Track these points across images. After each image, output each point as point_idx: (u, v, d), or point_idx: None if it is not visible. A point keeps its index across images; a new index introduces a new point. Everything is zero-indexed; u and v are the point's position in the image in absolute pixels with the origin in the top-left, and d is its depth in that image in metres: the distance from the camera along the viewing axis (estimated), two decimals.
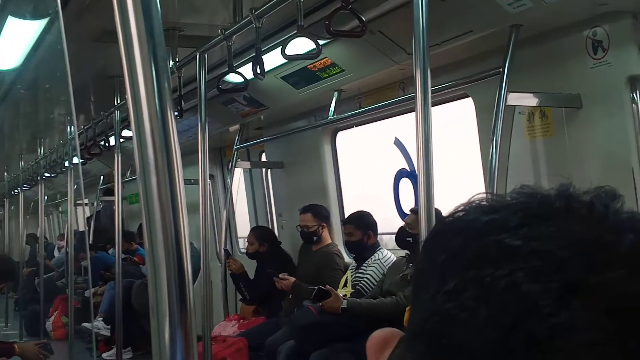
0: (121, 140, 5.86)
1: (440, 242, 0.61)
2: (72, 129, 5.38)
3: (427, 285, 0.59)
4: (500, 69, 3.24)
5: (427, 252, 0.62)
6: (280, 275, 5.02)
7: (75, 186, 6.41)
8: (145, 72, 0.83)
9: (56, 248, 12.27)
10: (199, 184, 4.02)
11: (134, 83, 0.84)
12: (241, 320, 5.69)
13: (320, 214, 5.30)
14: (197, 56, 4.04)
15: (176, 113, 4.68)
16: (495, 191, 3.13)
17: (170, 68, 4.48)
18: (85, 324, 7.39)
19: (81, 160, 7.03)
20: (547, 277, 0.52)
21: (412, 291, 0.64)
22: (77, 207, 8.74)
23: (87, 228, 9.91)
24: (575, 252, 0.53)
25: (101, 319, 7.58)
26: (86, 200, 11.25)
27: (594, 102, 3.22)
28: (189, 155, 5.34)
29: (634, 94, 3.07)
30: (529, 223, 0.55)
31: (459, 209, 0.62)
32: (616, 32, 3.08)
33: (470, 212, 0.60)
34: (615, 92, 3.13)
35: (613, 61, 3.11)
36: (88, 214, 10.77)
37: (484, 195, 0.61)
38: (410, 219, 4.32)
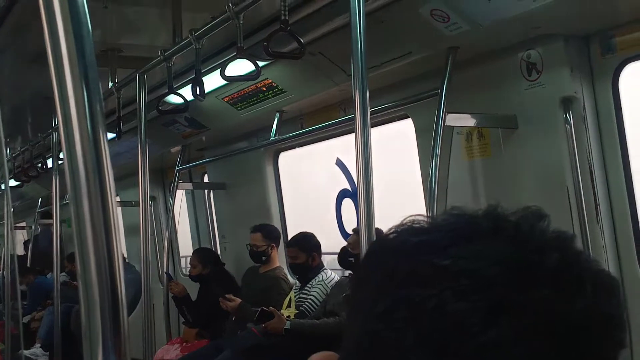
0: (59, 162, 5.75)
1: (372, 263, 0.62)
2: (6, 150, 5.25)
3: (361, 305, 0.59)
4: (439, 90, 3.29)
5: (361, 272, 0.63)
6: (227, 296, 4.97)
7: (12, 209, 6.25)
8: (76, 94, 0.82)
9: None
10: (139, 206, 3.97)
11: (65, 105, 0.82)
12: (184, 344, 5.61)
13: (271, 234, 5.25)
14: (137, 77, 4.01)
15: (114, 135, 4.62)
16: (435, 210, 3.17)
17: (109, 89, 4.43)
18: (23, 352, 7.17)
19: (18, 183, 6.87)
20: (475, 296, 0.53)
21: (347, 312, 0.64)
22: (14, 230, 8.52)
23: (25, 252, 9.67)
24: (502, 271, 0.54)
25: (39, 345, 7.37)
26: (24, 224, 10.99)
27: (529, 123, 3.29)
28: (129, 176, 5.29)
29: (567, 115, 3.14)
30: (457, 243, 0.56)
31: (391, 230, 0.62)
32: (549, 54, 3.16)
33: (401, 234, 0.61)
34: (549, 113, 3.20)
35: (547, 83, 3.19)
36: (26, 237, 10.51)
37: (415, 217, 0.62)
38: (352, 239, 4.33)
